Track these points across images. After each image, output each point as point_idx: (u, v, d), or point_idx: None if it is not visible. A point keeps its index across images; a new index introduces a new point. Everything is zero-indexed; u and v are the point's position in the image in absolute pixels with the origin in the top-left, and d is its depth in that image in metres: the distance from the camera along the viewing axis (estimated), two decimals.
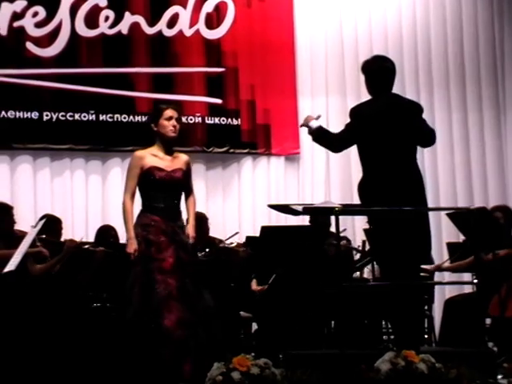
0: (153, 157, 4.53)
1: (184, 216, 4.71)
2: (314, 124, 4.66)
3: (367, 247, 6.28)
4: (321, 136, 4.67)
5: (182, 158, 4.64)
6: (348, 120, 4.69)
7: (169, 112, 4.58)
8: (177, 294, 4.35)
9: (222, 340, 4.51)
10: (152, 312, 4.29)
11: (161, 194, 4.48)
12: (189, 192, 4.71)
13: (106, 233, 6.38)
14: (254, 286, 6.28)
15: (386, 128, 4.50)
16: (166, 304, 4.31)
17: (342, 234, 6.27)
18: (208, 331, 4.38)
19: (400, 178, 4.49)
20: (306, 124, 4.71)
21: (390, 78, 4.59)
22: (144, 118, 7.54)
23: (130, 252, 4.40)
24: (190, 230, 4.59)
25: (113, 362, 4.36)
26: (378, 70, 4.57)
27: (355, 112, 4.61)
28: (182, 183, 4.59)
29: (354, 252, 6.59)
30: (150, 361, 4.20)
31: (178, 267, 4.40)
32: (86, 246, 5.56)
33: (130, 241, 4.42)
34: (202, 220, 6.16)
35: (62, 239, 5.82)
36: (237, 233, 6.43)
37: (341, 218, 4.57)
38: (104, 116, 7.69)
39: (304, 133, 8.23)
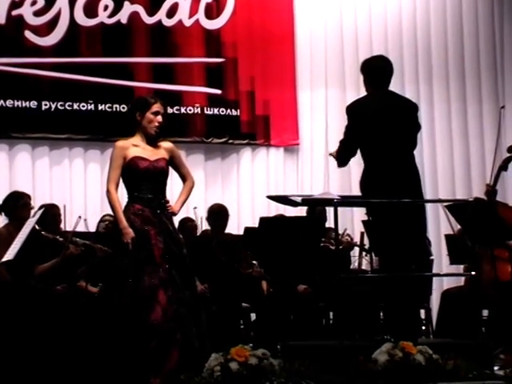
0: (135, 147, 4.44)
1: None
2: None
3: (365, 239, 6.31)
4: (338, 155, 4.78)
5: (165, 146, 4.52)
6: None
7: (157, 106, 4.48)
8: (164, 285, 4.30)
9: (221, 330, 4.48)
10: (140, 303, 4.26)
11: (146, 184, 4.40)
12: (185, 177, 4.62)
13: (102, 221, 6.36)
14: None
15: (384, 122, 4.56)
16: (154, 295, 4.27)
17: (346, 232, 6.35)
18: (197, 323, 4.35)
19: (398, 172, 4.53)
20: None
21: (388, 76, 4.70)
22: None
23: (127, 242, 4.30)
24: (176, 204, 4.53)
25: (110, 351, 4.35)
26: (378, 68, 4.68)
27: (351, 109, 4.68)
28: (165, 173, 4.50)
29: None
30: (136, 351, 4.17)
31: (165, 258, 4.35)
32: (87, 242, 5.55)
33: (125, 230, 4.30)
34: (222, 212, 6.12)
35: (66, 228, 5.86)
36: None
37: (339, 209, 4.59)
38: (103, 106, 7.68)
39: (303, 124, 8.28)
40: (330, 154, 4.95)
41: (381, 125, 4.54)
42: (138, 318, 4.21)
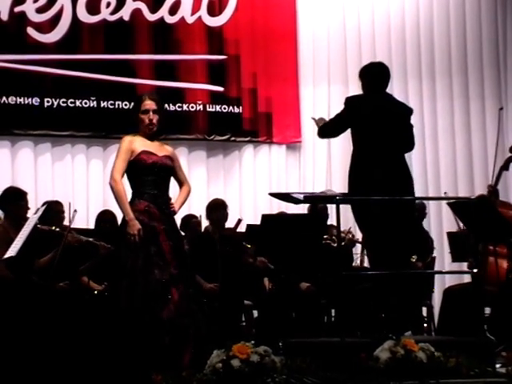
0: (143, 141, 4.48)
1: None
2: (321, 123, 5.17)
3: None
4: (324, 129, 5.17)
5: (168, 148, 4.60)
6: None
7: (145, 104, 4.48)
8: (175, 282, 4.32)
9: (222, 327, 4.50)
10: (151, 298, 4.27)
11: (152, 179, 4.41)
12: (183, 182, 4.65)
13: (101, 217, 6.34)
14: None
15: (378, 120, 4.79)
16: (166, 292, 4.29)
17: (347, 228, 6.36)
18: (205, 318, 4.38)
19: (387, 168, 4.76)
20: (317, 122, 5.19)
21: (385, 81, 4.99)
22: None
23: (133, 233, 4.25)
24: (176, 204, 4.53)
25: (113, 348, 4.35)
26: (376, 74, 4.99)
27: (350, 101, 4.97)
28: (170, 170, 4.53)
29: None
30: (150, 348, 4.19)
31: (174, 254, 4.37)
32: (90, 239, 5.54)
33: (132, 222, 4.28)
34: (218, 206, 6.13)
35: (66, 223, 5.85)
36: (240, 220, 6.31)
37: (341, 207, 4.63)
38: (105, 103, 7.68)
39: (306, 121, 8.27)
40: (313, 118, 5.25)
41: (375, 122, 4.78)
42: (149, 314, 4.22)
